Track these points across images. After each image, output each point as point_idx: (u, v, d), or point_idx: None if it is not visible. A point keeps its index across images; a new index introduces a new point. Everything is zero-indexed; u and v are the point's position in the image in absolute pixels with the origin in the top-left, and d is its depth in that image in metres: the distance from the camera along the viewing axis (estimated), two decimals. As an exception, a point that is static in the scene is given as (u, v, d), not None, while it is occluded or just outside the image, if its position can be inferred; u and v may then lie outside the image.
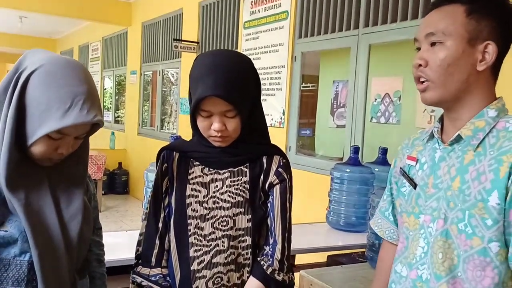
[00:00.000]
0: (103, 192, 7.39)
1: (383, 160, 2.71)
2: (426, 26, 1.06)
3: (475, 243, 0.98)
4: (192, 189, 1.28)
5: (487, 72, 1.04)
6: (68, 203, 1.11)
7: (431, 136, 1.14)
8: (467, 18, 1.02)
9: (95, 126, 1.09)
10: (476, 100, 1.04)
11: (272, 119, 4.46)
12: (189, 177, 1.30)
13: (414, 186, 1.13)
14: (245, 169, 1.29)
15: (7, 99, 1.02)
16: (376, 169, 2.63)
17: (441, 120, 1.14)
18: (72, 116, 0.99)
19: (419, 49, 1.09)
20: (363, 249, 2.33)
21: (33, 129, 1.01)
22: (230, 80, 1.18)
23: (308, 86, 5.08)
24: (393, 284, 1.16)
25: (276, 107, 4.46)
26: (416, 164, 1.15)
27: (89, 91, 1.03)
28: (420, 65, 1.05)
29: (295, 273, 1.38)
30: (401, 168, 1.20)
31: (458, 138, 1.05)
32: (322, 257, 2.59)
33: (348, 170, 2.61)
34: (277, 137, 4.24)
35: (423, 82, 1.06)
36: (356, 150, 2.65)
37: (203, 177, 1.29)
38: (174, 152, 1.33)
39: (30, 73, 1.01)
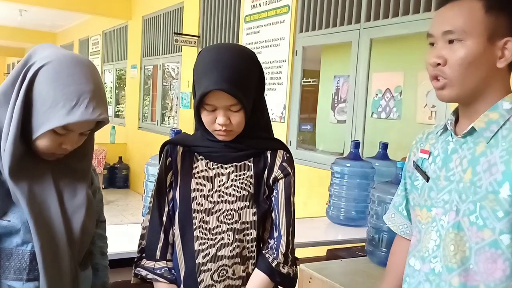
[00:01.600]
0: (103, 186, 7.41)
1: (383, 155, 2.71)
2: (443, 23, 1.03)
3: (486, 235, 0.98)
4: (197, 183, 1.29)
5: (505, 67, 1.03)
6: (72, 196, 1.12)
7: (445, 129, 1.14)
8: (486, 15, 1.00)
9: (100, 123, 1.11)
10: (493, 94, 1.04)
11: (273, 114, 4.46)
12: (194, 171, 1.30)
13: (427, 179, 1.13)
14: (250, 164, 1.30)
15: (14, 92, 1.04)
16: (377, 164, 2.63)
17: (455, 113, 1.13)
18: (78, 113, 1.02)
19: (432, 44, 1.06)
20: (363, 244, 2.33)
21: (39, 123, 1.03)
22: (234, 74, 1.18)
23: (309, 81, 5.07)
24: (407, 278, 1.17)
25: (277, 101, 4.46)
26: (429, 157, 1.15)
27: (96, 89, 1.05)
28: (438, 64, 1.03)
29: (294, 267, 1.38)
30: (414, 161, 1.20)
31: (472, 131, 1.04)
32: (322, 251, 2.59)
33: (348, 165, 2.60)
34: (278, 131, 4.24)
35: (439, 79, 1.04)
36: (356, 144, 2.65)
37: (207, 171, 1.30)
38: (178, 146, 1.33)
39: (38, 68, 1.03)
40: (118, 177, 8.24)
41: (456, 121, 1.12)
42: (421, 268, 1.11)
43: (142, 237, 1.34)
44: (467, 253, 1.01)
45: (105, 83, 10.18)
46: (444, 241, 1.05)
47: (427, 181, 1.13)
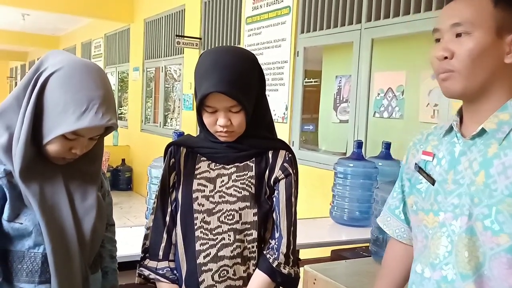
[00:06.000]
0: (107, 188, 7.41)
1: (386, 154, 2.71)
2: (452, 16, 1.01)
3: (502, 240, 0.94)
4: (199, 184, 1.30)
5: (511, 65, 1.01)
6: (82, 199, 1.14)
7: (449, 130, 1.09)
8: (495, 8, 0.98)
9: (109, 128, 1.13)
10: (500, 92, 1.01)
11: (275, 115, 4.46)
12: (196, 172, 1.32)
13: (432, 182, 1.08)
14: (251, 164, 1.31)
15: (26, 97, 1.06)
16: (380, 164, 2.62)
17: (459, 113, 1.10)
18: (87, 119, 1.04)
19: (438, 40, 1.04)
20: (367, 244, 2.33)
21: (49, 128, 1.05)
22: (233, 76, 1.19)
23: (311, 82, 5.07)
24: (414, 286, 1.11)
25: (279, 102, 4.46)
26: (433, 159, 1.10)
27: (105, 95, 1.07)
28: (445, 58, 1.00)
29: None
30: (416, 164, 1.15)
31: (481, 132, 1.01)
32: (326, 252, 2.59)
33: (351, 165, 2.60)
34: (280, 132, 4.22)
35: (445, 73, 1.01)
36: (359, 144, 2.65)
37: (209, 172, 1.31)
38: (182, 148, 1.35)
39: (49, 74, 1.05)
40: (121, 179, 8.25)
41: (461, 121, 1.09)
42: (432, 275, 1.05)
43: (146, 237, 1.36)
44: (481, 259, 0.97)
45: (108, 86, 10.20)
46: (457, 247, 1.00)
47: (433, 185, 1.08)
